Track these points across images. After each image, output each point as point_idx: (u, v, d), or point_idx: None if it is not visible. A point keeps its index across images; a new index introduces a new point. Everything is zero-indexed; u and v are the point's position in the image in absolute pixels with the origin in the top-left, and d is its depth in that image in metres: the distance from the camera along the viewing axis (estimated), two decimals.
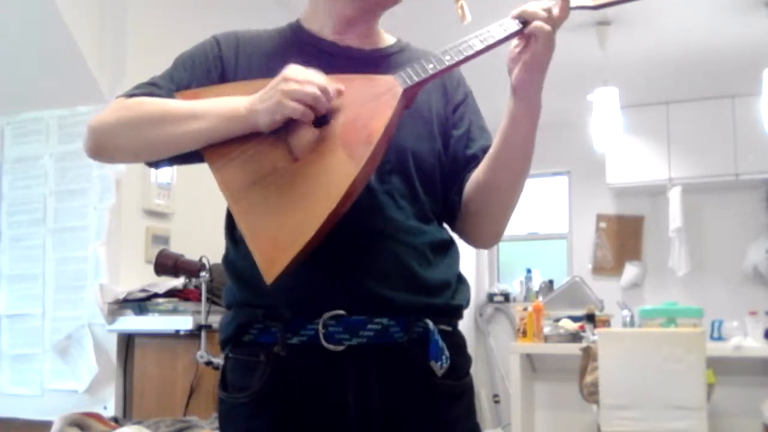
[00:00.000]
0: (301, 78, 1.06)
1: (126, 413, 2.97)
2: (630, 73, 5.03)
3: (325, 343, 1.12)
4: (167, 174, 3.23)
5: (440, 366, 1.15)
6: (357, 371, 1.13)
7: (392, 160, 1.18)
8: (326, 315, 1.12)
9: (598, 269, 6.24)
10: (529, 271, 6.44)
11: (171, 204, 3.28)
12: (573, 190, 6.46)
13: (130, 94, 1.20)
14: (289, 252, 1.03)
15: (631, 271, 6.08)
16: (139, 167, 2.95)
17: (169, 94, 1.19)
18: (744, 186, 5.72)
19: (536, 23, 1.12)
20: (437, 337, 1.16)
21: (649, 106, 5.72)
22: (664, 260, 5.84)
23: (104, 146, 1.19)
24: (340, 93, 1.09)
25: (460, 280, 1.25)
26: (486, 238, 1.31)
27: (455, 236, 1.29)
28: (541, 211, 6.50)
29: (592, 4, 1.17)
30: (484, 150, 1.26)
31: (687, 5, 4.18)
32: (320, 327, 1.12)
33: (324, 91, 1.06)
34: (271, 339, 1.15)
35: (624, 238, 6.22)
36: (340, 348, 1.12)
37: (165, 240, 3.23)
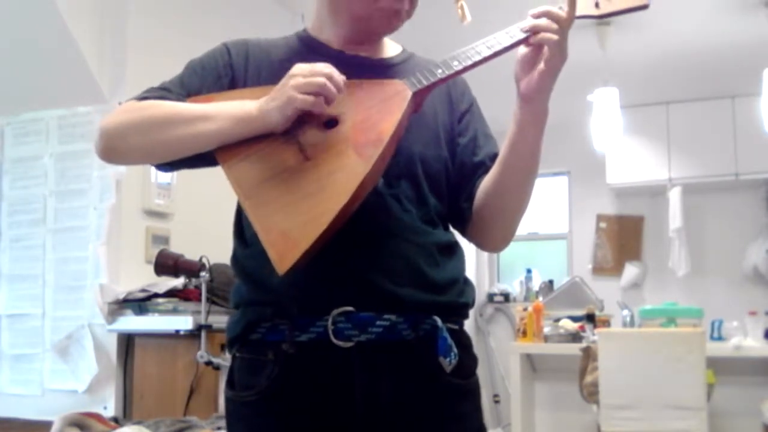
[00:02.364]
0: (306, 71, 1.09)
1: (126, 413, 2.98)
2: (630, 73, 5.03)
3: (334, 340, 1.12)
4: (167, 174, 3.22)
5: (449, 362, 1.16)
6: (365, 368, 1.14)
7: (400, 164, 1.19)
8: (335, 311, 1.13)
9: (598, 269, 6.24)
10: (529, 271, 6.44)
11: (171, 204, 3.28)
12: (573, 190, 6.47)
13: (142, 97, 1.21)
14: (301, 246, 1.04)
15: (631, 271, 6.08)
16: (139, 167, 2.96)
17: (180, 99, 1.20)
18: (744, 186, 5.72)
19: (543, 34, 1.13)
20: (445, 333, 1.17)
21: (649, 106, 5.72)
22: (664, 260, 5.84)
23: (116, 147, 1.19)
24: (343, 82, 1.10)
25: (466, 281, 1.26)
26: (496, 242, 1.33)
27: (461, 240, 1.30)
28: (541, 211, 6.49)
29: (595, 13, 1.19)
30: (491, 156, 1.28)
31: (687, 5, 4.18)
32: (329, 323, 1.13)
33: (330, 77, 1.08)
34: (280, 337, 1.15)
35: (624, 238, 6.22)
36: (349, 344, 1.13)
37: (165, 240, 3.23)
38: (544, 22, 1.13)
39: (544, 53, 1.14)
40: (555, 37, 1.12)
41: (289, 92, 1.08)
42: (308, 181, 1.09)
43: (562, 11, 1.14)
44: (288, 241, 1.05)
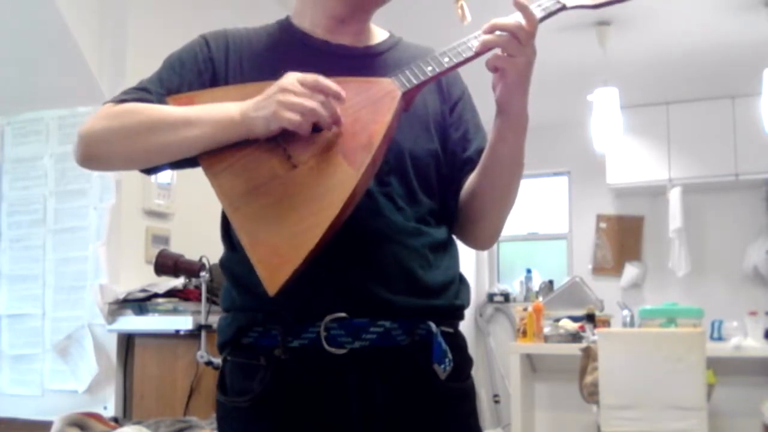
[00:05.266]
0: (299, 91, 1.04)
1: (126, 413, 2.98)
2: (630, 73, 5.03)
3: (327, 346, 1.11)
4: (167, 174, 3.22)
5: (443, 369, 1.14)
6: (359, 375, 1.12)
7: (390, 162, 1.16)
8: (328, 318, 1.11)
9: (598, 269, 6.24)
10: (529, 271, 6.44)
11: (171, 204, 3.28)
12: (573, 190, 6.46)
13: (120, 100, 1.17)
14: (292, 262, 1.01)
15: (631, 271, 6.08)
16: None
17: (160, 99, 1.17)
18: (744, 186, 5.72)
19: (494, 60, 1.09)
20: (440, 339, 1.15)
21: (649, 106, 5.72)
22: (664, 260, 5.84)
23: (96, 154, 1.16)
24: (340, 100, 1.06)
25: (462, 280, 1.24)
26: (482, 240, 1.30)
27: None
28: (541, 211, 6.49)
29: (591, 3, 1.15)
30: (479, 151, 1.25)
31: (687, 5, 4.18)
32: (322, 330, 1.11)
33: (323, 104, 1.04)
34: (272, 342, 1.13)
35: (624, 238, 6.22)
36: (342, 351, 1.11)
37: (165, 240, 3.23)
38: (493, 38, 1.09)
39: (509, 62, 1.09)
40: (504, 63, 1.09)
41: (277, 108, 1.03)
42: (296, 191, 1.05)
43: (512, 20, 1.08)
44: (278, 258, 1.02)
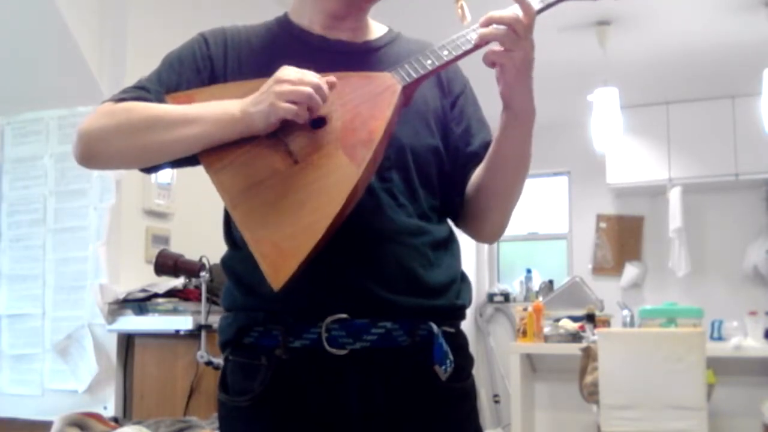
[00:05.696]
0: (294, 78, 1.05)
1: (126, 413, 2.98)
2: (630, 73, 5.03)
3: (328, 347, 1.10)
4: (167, 174, 3.23)
5: (444, 370, 1.14)
6: (360, 375, 1.12)
7: (391, 157, 1.16)
8: (329, 319, 1.10)
9: (598, 269, 6.24)
10: (529, 271, 6.44)
11: (171, 204, 3.28)
12: (573, 190, 6.46)
13: (119, 99, 1.17)
14: (295, 258, 1.01)
15: (631, 271, 6.08)
16: None
17: (159, 97, 1.16)
18: (744, 186, 5.72)
19: (489, 53, 1.09)
20: (441, 340, 1.14)
21: (649, 106, 5.72)
22: (664, 260, 5.84)
23: (95, 153, 1.16)
24: (332, 86, 1.07)
25: (463, 278, 1.24)
26: (487, 235, 1.30)
27: (455, 230, 1.28)
28: (541, 211, 6.50)
29: None
30: (484, 145, 1.24)
31: (687, 5, 4.18)
32: (323, 331, 1.10)
33: (317, 89, 1.05)
34: (273, 342, 1.13)
35: (624, 238, 6.22)
36: (343, 352, 1.11)
37: (165, 240, 3.23)
38: (490, 30, 1.08)
39: (507, 56, 1.09)
40: (500, 58, 1.08)
41: (273, 100, 1.04)
42: (298, 187, 1.05)
43: (510, 12, 1.08)
44: (281, 254, 1.02)
